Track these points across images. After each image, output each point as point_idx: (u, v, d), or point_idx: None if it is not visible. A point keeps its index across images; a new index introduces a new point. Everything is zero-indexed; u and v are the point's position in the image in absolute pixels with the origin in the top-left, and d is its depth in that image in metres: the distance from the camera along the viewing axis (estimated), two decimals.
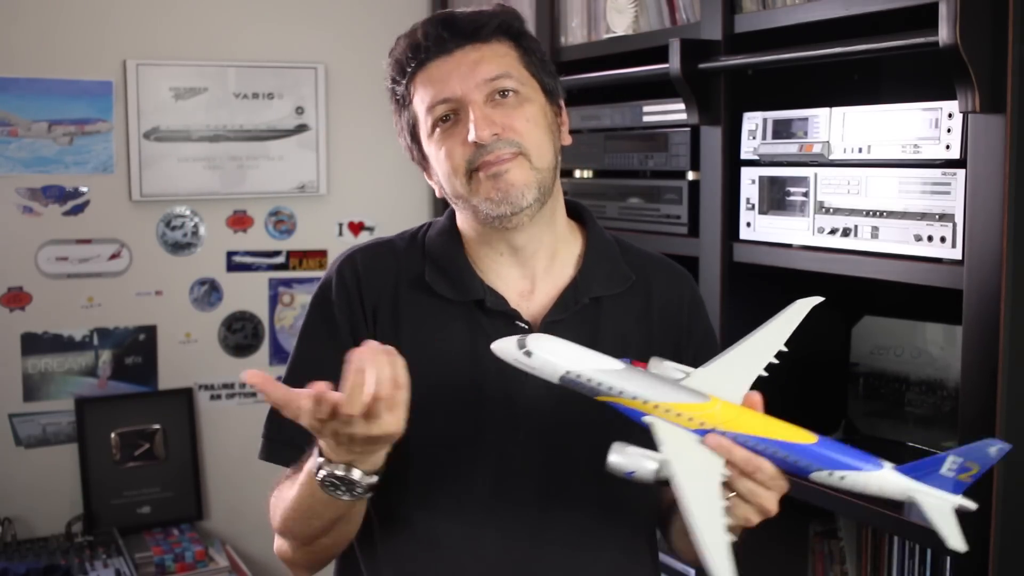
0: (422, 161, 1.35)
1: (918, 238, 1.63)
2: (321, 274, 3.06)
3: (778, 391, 2.03)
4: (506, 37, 1.31)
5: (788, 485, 1.13)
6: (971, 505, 1.08)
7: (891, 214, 1.68)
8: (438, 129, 1.29)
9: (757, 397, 1.15)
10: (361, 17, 3.12)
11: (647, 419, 1.13)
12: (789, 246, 1.88)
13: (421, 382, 1.13)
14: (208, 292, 3.03)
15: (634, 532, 1.38)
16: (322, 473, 1.14)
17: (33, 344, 2.84)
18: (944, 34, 1.47)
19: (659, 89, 2.14)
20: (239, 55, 2.99)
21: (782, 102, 1.91)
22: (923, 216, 1.63)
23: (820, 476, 1.10)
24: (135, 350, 2.95)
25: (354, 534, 1.31)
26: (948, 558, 1.71)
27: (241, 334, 3.08)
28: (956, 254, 1.57)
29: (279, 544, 1.35)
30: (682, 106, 2.06)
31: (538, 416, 1.29)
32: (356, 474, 1.13)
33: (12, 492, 2.80)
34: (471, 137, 1.24)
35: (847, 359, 2.12)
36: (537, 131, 1.29)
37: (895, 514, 1.69)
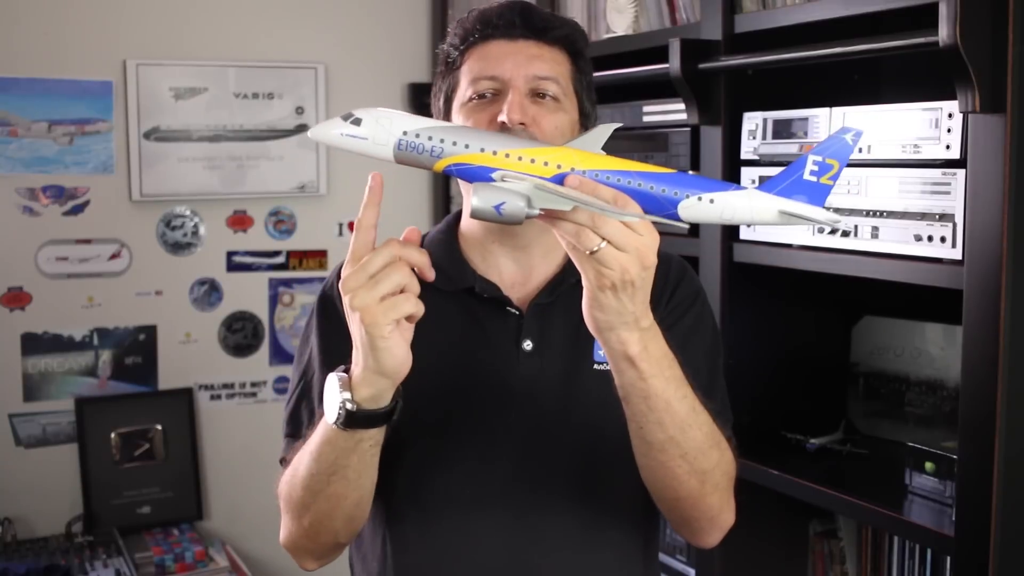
0: None
1: (918, 238, 1.63)
2: (321, 274, 3.10)
3: (778, 391, 2.05)
4: (567, 49, 1.35)
5: (659, 235, 1.06)
6: (838, 218, 1.07)
7: (891, 214, 1.68)
8: (473, 102, 1.32)
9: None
10: (361, 17, 3.12)
11: (498, 173, 1.05)
12: (789, 246, 1.88)
13: (416, 368, 1.16)
14: (208, 292, 3.03)
15: (625, 520, 1.38)
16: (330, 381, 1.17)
17: (33, 344, 2.84)
18: (944, 34, 1.47)
19: (659, 89, 2.14)
20: (239, 55, 2.99)
21: (782, 102, 1.91)
22: (923, 216, 1.63)
23: (690, 204, 1.04)
24: (135, 350, 2.95)
25: (355, 513, 1.29)
26: (948, 558, 1.71)
27: (241, 334, 3.08)
28: (956, 254, 1.57)
29: (285, 528, 1.34)
30: (682, 106, 2.06)
31: (529, 400, 1.32)
32: (346, 395, 1.16)
33: (12, 492, 2.80)
34: (501, 117, 1.27)
35: (847, 359, 2.13)
36: (560, 140, 1.31)
37: (895, 514, 1.70)
